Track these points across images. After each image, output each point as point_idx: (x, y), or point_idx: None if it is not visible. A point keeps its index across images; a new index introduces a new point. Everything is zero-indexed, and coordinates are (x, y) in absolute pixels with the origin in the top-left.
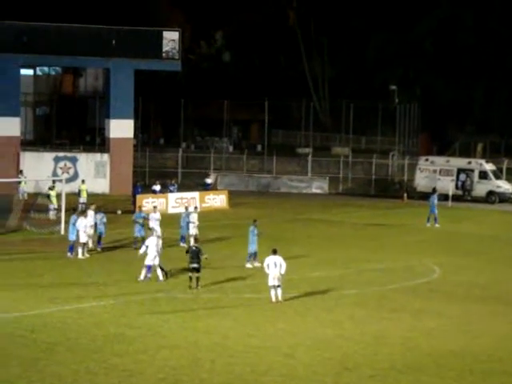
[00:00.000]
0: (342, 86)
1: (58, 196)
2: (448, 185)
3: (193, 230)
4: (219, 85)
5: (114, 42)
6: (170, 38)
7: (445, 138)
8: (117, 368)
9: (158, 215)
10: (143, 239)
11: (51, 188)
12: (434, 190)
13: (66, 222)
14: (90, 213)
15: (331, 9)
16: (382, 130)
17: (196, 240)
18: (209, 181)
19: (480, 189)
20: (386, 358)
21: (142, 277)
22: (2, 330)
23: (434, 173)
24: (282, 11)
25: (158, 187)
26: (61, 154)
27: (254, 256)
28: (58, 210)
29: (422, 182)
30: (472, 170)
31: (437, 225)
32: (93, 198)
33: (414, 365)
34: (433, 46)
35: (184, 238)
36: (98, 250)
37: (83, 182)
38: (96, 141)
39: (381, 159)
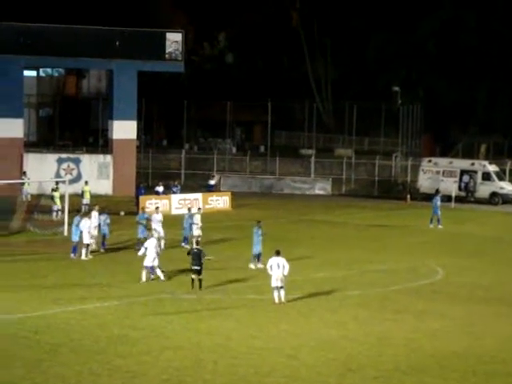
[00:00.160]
0: (345, 88)
1: (62, 197)
2: (451, 186)
3: (196, 232)
4: (222, 86)
5: (117, 43)
6: (173, 40)
7: (448, 139)
8: (120, 369)
9: (160, 216)
10: (146, 240)
11: (55, 189)
12: (437, 192)
13: (70, 224)
14: (94, 214)
15: (334, 10)
16: (385, 131)
17: (197, 242)
18: (212, 182)
19: (483, 190)
20: (389, 359)
21: (143, 278)
22: (5, 331)
23: (437, 174)
24: (284, 12)
25: (161, 188)
26: (64, 156)
27: (258, 257)
28: (62, 211)
29: (425, 183)
30: (475, 172)
31: (440, 226)
32: (96, 199)
33: (417, 366)
34: (435, 47)
35: (187, 239)
36: (102, 251)
37: (86, 183)
38: (99, 142)
39: (384, 160)
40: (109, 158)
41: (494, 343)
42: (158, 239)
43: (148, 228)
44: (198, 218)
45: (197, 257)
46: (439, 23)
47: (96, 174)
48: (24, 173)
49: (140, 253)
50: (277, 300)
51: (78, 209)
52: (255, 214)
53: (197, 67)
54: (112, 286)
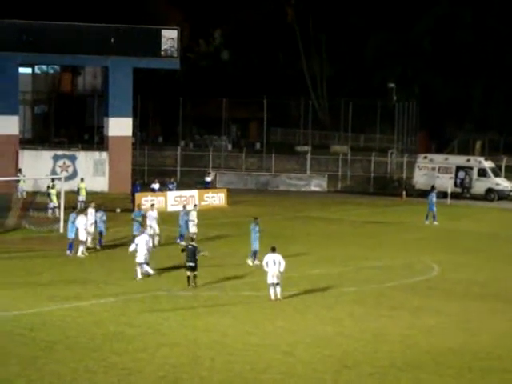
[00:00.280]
0: (340, 84)
1: (58, 194)
2: (447, 182)
3: (193, 228)
4: (218, 83)
5: (112, 40)
6: (169, 37)
7: (443, 135)
8: (116, 366)
9: (155, 213)
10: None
11: (52, 186)
12: (433, 188)
13: (65, 221)
14: (91, 211)
15: (330, 6)
16: (381, 128)
17: (192, 239)
18: (208, 179)
19: (479, 186)
20: (385, 356)
21: (139, 275)
22: (1, 328)
23: (433, 170)
24: (280, 9)
25: (156, 185)
26: (59, 153)
27: (254, 254)
28: (58, 208)
29: (420, 179)
30: (471, 168)
31: (435, 222)
32: (92, 196)
33: (413, 362)
34: (431, 44)
35: (183, 237)
36: (98, 248)
37: (82, 180)
38: (95, 139)
39: (379, 157)
40: (104, 154)
41: (489, 339)
42: (152, 236)
43: (142, 225)
44: (194, 215)
45: (191, 253)
46: (435, 20)
47: (92, 171)
48: (19, 170)
49: (131, 248)
50: (273, 297)
51: (73, 206)
52: (251, 210)
53: (192, 64)
54: (108, 283)
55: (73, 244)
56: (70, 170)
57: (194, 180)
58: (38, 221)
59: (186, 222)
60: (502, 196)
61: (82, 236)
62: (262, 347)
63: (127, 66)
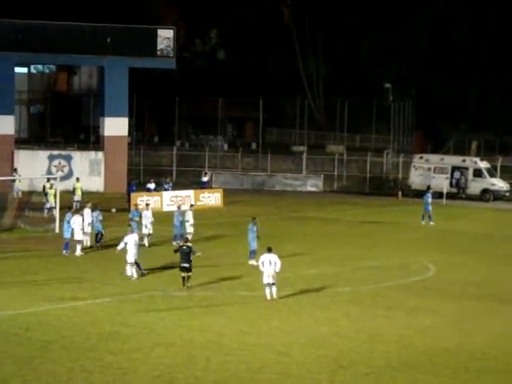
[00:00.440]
0: (336, 84)
1: (54, 194)
2: (442, 183)
3: (189, 229)
4: (214, 83)
5: (108, 40)
6: (165, 36)
7: (439, 135)
8: (111, 366)
9: (149, 213)
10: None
11: (50, 186)
12: (429, 188)
13: (61, 220)
14: (87, 211)
15: (326, 6)
16: (377, 127)
17: (187, 240)
18: (205, 179)
19: (474, 187)
20: (381, 356)
21: (134, 275)
22: None
23: (429, 171)
24: (276, 8)
25: (152, 185)
26: (55, 152)
27: (251, 254)
28: (55, 208)
29: (416, 179)
30: (466, 168)
31: (431, 223)
32: (87, 196)
33: (409, 362)
34: (427, 44)
35: (177, 237)
36: (98, 246)
37: (78, 180)
38: (90, 139)
39: (375, 157)
40: (100, 154)
41: (485, 340)
42: (147, 236)
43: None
44: (190, 215)
45: (186, 254)
46: (430, 20)
47: (87, 171)
48: (15, 169)
49: (119, 247)
50: (268, 297)
51: (69, 206)
52: (247, 210)
53: (188, 64)
54: (104, 283)
55: (69, 243)
56: (66, 169)
57: (189, 180)
58: (34, 220)
59: (181, 223)
60: (498, 196)
61: (78, 236)
62: (257, 347)
63: (123, 66)
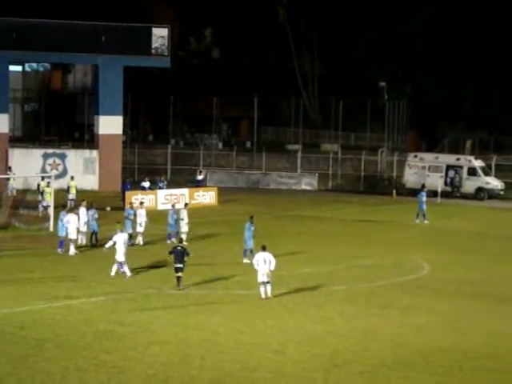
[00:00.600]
0: (331, 83)
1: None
2: (437, 181)
3: (184, 227)
4: (208, 81)
5: (103, 38)
6: (159, 35)
7: (434, 134)
8: (106, 364)
9: (144, 211)
10: (135, 235)
11: (47, 185)
12: (423, 187)
13: (56, 219)
14: (82, 210)
15: (321, 5)
16: (372, 126)
17: (181, 240)
18: (200, 177)
19: (469, 185)
20: (375, 355)
21: (128, 273)
22: None
23: (423, 169)
24: (271, 7)
25: (147, 184)
26: (50, 151)
27: (245, 252)
28: (49, 206)
29: (410, 178)
30: (461, 167)
31: (426, 221)
32: (82, 194)
33: (403, 361)
34: (423, 43)
35: (171, 235)
36: (94, 243)
37: (72, 178)
38: (85, 137)
39: (370, 156)
40: (95, 153)
41: (480, 339)
42: (141, 234)
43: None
44: (185, 214)
45: (180, 255)
46: (426, 19)
47: (82, 170)
48: (9, 168)
49: (107, 245)
50: (263, 295)
51: (63, 204)
52: (242, 209)
53: (183, 62)
54: (98, 282)
55: (63, 242)
56: (60, 168)
57: (184, 178)
58: (28, 219)
59: (176, 221)
60: (492, 195)
61: (73, 234)
62: (252, 346)
63: (118, 64)
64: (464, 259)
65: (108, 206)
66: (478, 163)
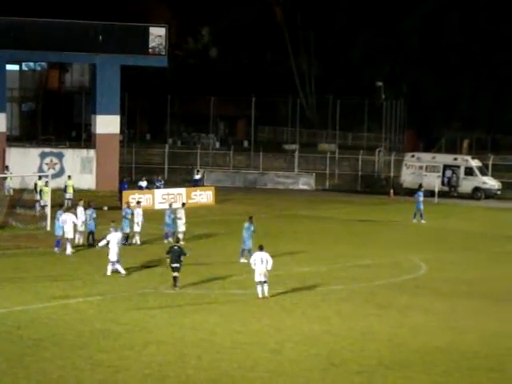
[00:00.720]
0: (328, 83)
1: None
2: (434, 181)
3: (182, 227)
4: (206, 81)
5: (100, 37)
6: (157, 34)
7: (431, 134)
8: (103, 364)
9: (140, 211)
10: (132, 235)
11: (46, 184)
12: (420, 186)
13: (52, 218)
14: (80, 209)
15: (318, 5)
16: (369, 126)
17: (178, 240)
18: (197, 177)
19: (466, 185)
20: (373, 354)
21: (122, 272)
22: None
23: (420, 169)
24: (268, 7)
25: (144, 183)
26: (47, 150)
27: (242, 252)
28: (46, 205)
29: (408, 178)
30: (458, 167)
31: (423, 221)
32: (79, 193)
33: (400, 361)
34: (419, 42)
35: (168, 235)
36: (90, 242)
37: (69, 177)
38: (82, 136)
39: (367, 155)
40: (92, 152)
41: (477, 338)
42: (139, 234)
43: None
44: (182, 214)
45: (177, 255)
46: (422, 18)
47: (79, 169)
48: (6, 167)
49: (100, 244)
50: (260, 295)
51: (60, 203)
52: (239, 208)
53: (180, 62)
54: (95, 281)
55: (60, 241)
56: (57, 167)
57: (181, 178)
58: (25, 218)
59: (173, 220)
60: (489, 195)
61: (69, 234)
62: (249, 345)
63: (115, 64)
64: (461, 259)
65: (105, 206)
66: (475, 163)
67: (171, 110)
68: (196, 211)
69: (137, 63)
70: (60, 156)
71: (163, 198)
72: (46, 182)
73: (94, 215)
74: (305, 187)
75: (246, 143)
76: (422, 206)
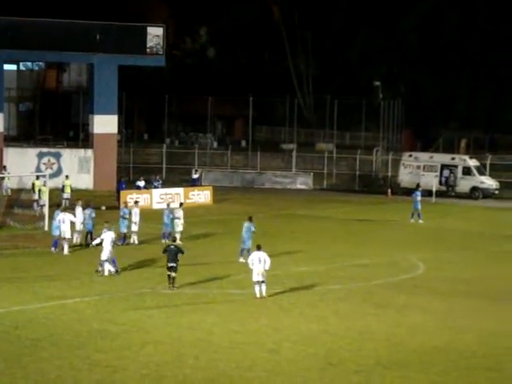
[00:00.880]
0: (326, 83)
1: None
2: (432, 181)
3: (179, 227)
4: (203, 80)
5: (98, 37)
6: (155, 34)
7: (429, 134)
8: (100, 364)
9: (138, 210)
10: (129, 235)
11: (44, 184)
12: (418, 186)
13: (50, 218)
14: (78, 209)
15: (315, 5)
16: (366, 125)
17: (174, 239)
18: (195, 176)
19: (463, 185)
20: (370, 354)
21: (112, 269)
22: None
23: (418, 169)
24: (266, 7)
25: (142, 183)
26: (44, 150)
27: (241, 252)
28: (44, 205)
29: (405, 177)
30: (456, 166)
31: (420, 221)
32: (77, 193)
33: (398, 360)
34: (417, 42)
35: (165, 235)
36: (90, 242)
37: (67, 177)
38: (80, 136)
39: (365, 155)
40: (89, 152)
41: (475, 338)
42: (137, 233)
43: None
44: (180, 213)
45: (173, 254)
46: (420, 18)
47: (77, 169)
48: (4, 167)
49: (94, 242)
50: (258, 294)
51: (58, 203)
52: (237, 208)
53: (178, 61)
54: (92, 281)
55: (58, 241)
56: (55, 167)
57: (179, 178)
58: (23, 218)
59: (171, 220)
60: (487, 194)
61: (67, 234)
62: (247, 345)
63: (112, 63)
64: (459, 258)
65: (103, 206)
66: (472, 162)
67: (169, 109)
68: (194, 211)
69: (134, 63)
70: (58, 156)
71: (161, 197)
72: (45, 182)
73: (93, 215)
74: (302, 187)
75: (243, 143)
76: (419, 206)
